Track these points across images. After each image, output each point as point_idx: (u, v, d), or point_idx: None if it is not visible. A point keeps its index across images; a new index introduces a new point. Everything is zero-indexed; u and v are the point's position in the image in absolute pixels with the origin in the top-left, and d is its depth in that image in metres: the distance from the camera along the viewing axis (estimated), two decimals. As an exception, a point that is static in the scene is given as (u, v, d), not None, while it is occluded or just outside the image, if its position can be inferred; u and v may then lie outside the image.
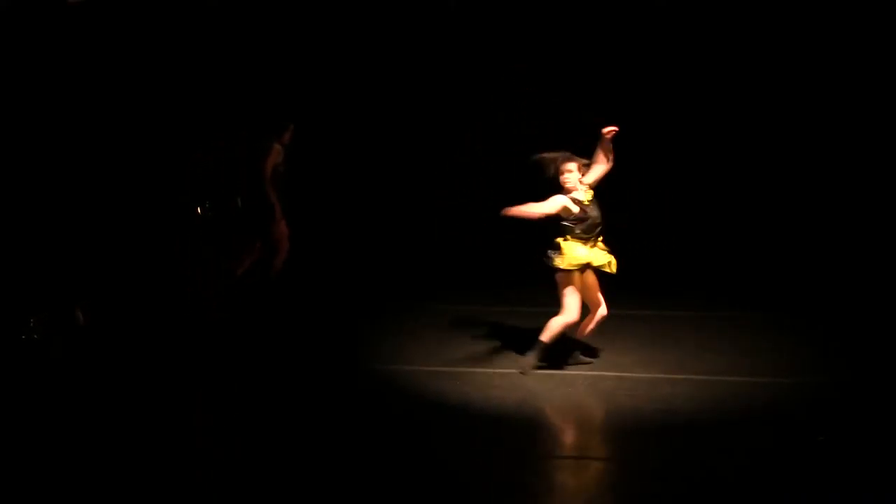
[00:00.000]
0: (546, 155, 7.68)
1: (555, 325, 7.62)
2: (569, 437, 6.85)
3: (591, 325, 7.86)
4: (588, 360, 7.97)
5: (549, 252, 7.62)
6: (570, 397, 7.34)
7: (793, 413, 7.01)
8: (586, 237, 7.59)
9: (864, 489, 5.83)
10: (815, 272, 10.58)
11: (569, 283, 7.59)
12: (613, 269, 7.70)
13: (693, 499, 5.81)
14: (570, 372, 7.76)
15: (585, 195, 7.62)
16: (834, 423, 6.77)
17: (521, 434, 6.74)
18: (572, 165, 7.62)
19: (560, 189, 7.64)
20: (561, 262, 7.56)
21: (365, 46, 11.75)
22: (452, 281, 10.51)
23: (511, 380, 7.62)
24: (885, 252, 10.63)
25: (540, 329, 7.68)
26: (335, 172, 11.94)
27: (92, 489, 5.82)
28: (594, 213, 7.62)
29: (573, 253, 7.56)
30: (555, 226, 7.63)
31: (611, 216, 7.75)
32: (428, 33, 11.71)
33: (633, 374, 7.76)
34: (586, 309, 7.73)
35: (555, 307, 7.67)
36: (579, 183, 7.62)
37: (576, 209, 7.56)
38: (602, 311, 7.78)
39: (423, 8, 11.60)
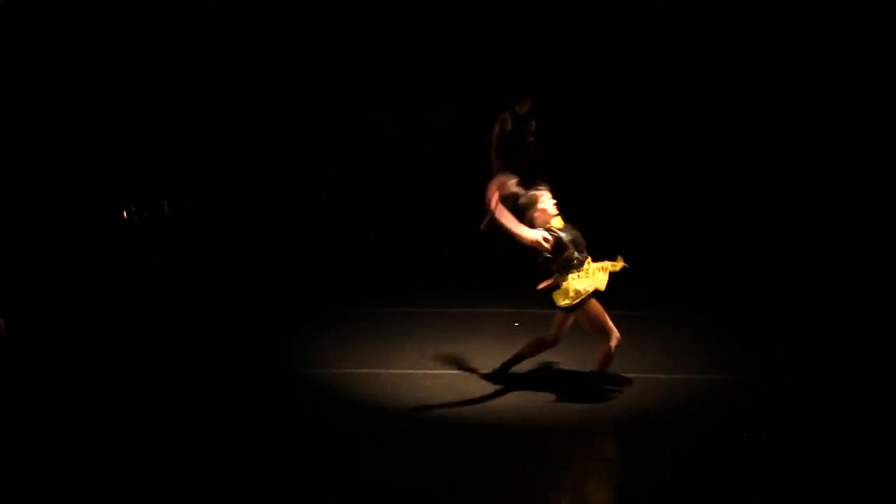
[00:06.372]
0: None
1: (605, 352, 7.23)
2: (495, 436, 6.87)
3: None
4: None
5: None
6: (501, 396, 7.35)
7: (718, 409, 7.12)
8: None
9: (788, 485, 5.93)
10: (735, 272, 10.75)
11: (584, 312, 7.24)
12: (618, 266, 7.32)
13: (621, 494, 5.91)
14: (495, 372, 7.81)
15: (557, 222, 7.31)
16: (759, 419, 6.88)
17: (453, 436, 6.77)
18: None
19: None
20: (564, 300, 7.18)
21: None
22: (383, 284, 10.48)
23: (443, 381, 7.63)
24: (806, 253, 10.84)
25: (464, 329, 7.73)
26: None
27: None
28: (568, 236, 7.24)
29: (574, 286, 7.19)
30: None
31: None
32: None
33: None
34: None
35: (485, 307, 7.73)
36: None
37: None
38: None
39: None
